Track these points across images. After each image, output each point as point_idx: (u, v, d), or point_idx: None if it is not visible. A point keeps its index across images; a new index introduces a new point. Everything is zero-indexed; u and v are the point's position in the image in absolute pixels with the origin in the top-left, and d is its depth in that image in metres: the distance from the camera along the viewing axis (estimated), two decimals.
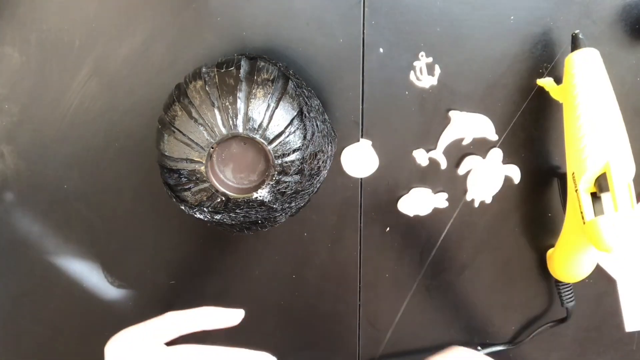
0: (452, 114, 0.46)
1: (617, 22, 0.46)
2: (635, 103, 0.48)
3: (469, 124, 0.47)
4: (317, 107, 0.41)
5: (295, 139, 0.39)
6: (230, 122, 0.37)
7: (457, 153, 0.48)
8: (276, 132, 0.38)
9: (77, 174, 0.46)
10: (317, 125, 0.40)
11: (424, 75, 0.45)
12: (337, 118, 0.46)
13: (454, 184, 0.49)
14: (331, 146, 0.43)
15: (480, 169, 0.48)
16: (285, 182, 0.40)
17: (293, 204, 0.42)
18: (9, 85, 0.43)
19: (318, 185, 0.42)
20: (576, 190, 0.41)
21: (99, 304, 0.50)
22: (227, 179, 0.40)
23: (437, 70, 0.45)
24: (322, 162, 0.41)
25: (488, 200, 0.49)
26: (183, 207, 0.40)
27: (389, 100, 0.46)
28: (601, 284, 0.53)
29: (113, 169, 0.46)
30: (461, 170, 0.48)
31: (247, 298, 0.51)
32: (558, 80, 0.45)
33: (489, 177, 0.48)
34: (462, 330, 0.53)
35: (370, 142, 0.46)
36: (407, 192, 0.48)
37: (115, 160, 0.46)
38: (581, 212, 0.41)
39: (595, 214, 0.40)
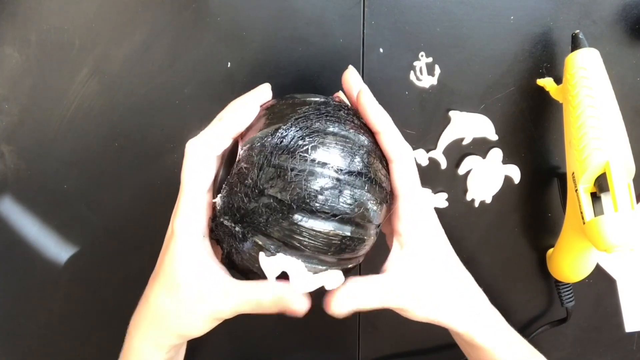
0: (452, 114, 0.46)
1: (617, 22, 0.46)
2: (635, 103, 0.48)
3: (469, 124, 0.47)
4: None
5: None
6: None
7: (457, 153, 0.48)
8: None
9: (77, 174, 0.46)
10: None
11: (424, 75, 0.45)
12: None
13: (454, 184, 0.49)
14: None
15: (480, 169, 0.48)
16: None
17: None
18: (9, 85, 0.43)
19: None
20: (576, 190, 0.41)
21: (99, 304, 0.50)
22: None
23: (437, 70, 0.45)
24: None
25: (488, 200, 0.49)
26: None
27: (389, 100, 0.46)
28: (601, 284, 0.53)
29: (113, 169, 0.46)
30: (461, 170, 0.48)
31: None
32: (558, 80, 0.45)
33: (489, 177, 0.48)
34: None
35: None
36: None
37: (115, 160, 0.46)
38: (581, 212, 0.41)
39: (595, 214, 0.40)
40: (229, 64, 0.44)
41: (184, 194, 0.34)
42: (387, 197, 0.35)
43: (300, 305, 0.34)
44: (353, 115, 0.35)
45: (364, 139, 0.34)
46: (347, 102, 0.37)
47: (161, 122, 0.45)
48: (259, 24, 0.43)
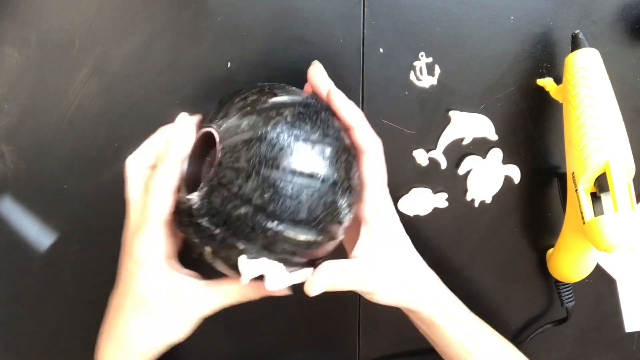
0: (452, 114, 0.46)
1: (617, 22, 0.46)
2: (635, 103, 0.48)
3: (469, 124, 0.47)
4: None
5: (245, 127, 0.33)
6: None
7: (457, 153, 0.48)
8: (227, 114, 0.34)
9: (77, 174, 0.46)
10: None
11: (424, 75, 0.45)
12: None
13: (454, 184, 0.49)
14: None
15: (480, 169, 0.48)
16: (228, 190, 0.32)
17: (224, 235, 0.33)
18: (9, 85, 0.43)
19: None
20: (576, 190, 0.41)
21: (99, 304, 0.50)
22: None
23: (437, 70, 0.45)
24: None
25: (488, 200, 0.49)
26: None
27: (389, 100, 0.46)
28: (601, 284, 0.53)
29: (113, 169, 0.46)
30: (461, 170, 0.48)
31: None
32: (558, 80, 0.45)
33: (489, 177, 0.48)
34: None
35: None
36: (407, 192, 0.48)
37: (115, 160, 0.46)
38: (581, 212, 0.41)
39: (595, 214, 0.40)
40: (229, 64, 0.44)
41: (149, 220, 0.36)
42: (359, 198, 0.37)
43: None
44: (332, 116, 0.36)
45: (346, 142, 0.35)
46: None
47: (161, 122, 0.45)
48: (259, 24, 0.43)
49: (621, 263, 0.52)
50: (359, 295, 0.51)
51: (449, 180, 0.48)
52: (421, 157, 0.47)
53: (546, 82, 0.45)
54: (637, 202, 0.44)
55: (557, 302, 0.52)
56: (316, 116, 0.34)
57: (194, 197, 0.34)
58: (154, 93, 0.44)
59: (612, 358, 0.56)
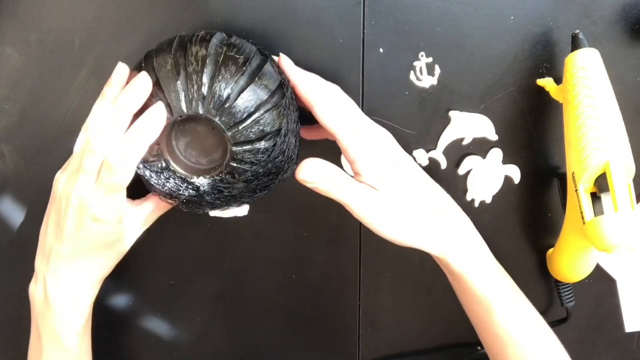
0: (452, 114, 0.46)
1: (617, 22, 0.46)
2: (635, 103, 0.48)
3: (469, 124, 0.47)
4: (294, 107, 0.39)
5: (263, 127, 0.37)
6: (194, 102, 0.35)
7: (457, 153, 0.48)
8: (239, 118, 0.36)
9: None
10: (289, 124, 0.38)
11: (424, 75, 0.45)
12: None
13: (454, 184, 0.49)
14: (289, 168, 0.41)
15: (480, 169, 0.48)
16: (230, 183, 0.38)
17: (225, 204, 0.40)
18: (9, 85, 0.43)
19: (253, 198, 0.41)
20: (576, 190, 0.41)
21: (98, 304, 0.50)
22: (178, 150, 0.38)
23: (437, 70, 0.45)
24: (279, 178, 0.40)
25: (488, 200, 0.49)
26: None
27: (389, 100, 0.46)
28: (601, 284, 0.53)
29: None
30: (461, 170, 0.48)
31: (247, 298, 0.51)
32: (558, 80, 0.45)
33: (489, 177, 0.48)
34: (462, 330, 0.53)
35: None
36: None
37: None
38: (581, 212, 0.41)
39: (595, 214, 0.40)
40: None
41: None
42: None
43: None
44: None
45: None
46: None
47: None
48: (259, 24, 0.43)
49: (621, 263, 0.52)
50: (359, 295, 0.51)
51: (449, 180, 0.48)
52: (421, 157, 0.47)
53: (546, 82, 0.45)
54: (637, 202, 0.44)
55: (557, 302, 0.52)
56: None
57: (203, 181, 0.38)
58: None
59: (612, 358, 0.56)
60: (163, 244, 0.49)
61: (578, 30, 0.42)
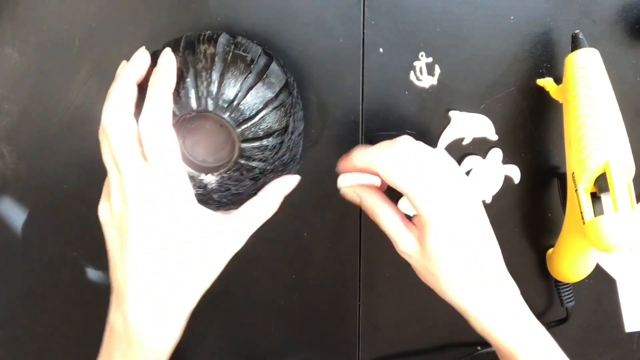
0: (452, 114, 0.46)
1: (617, 22, 0.46)
2: (635, 103, 0.48)
3: (469, 124, 0.47)
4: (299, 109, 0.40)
5: (270, 124, 0.37)
6: (203, 99, 0.35)
7: (457, 153, 0.48)
8: (248, 115, 0.36)
9: (77, 174, 0.46)
10: (295, 122, 0.39)
11: (424, 75, 0.45)
12: (337, 118, 0.46)
13: None
14: (295, 167, 0.41)
15: (480, 169, 0.48)
16: (238, 180, 0.38)
17: (232, 202, 0.39)
18: (9, 85, 0.43)
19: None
20: (576, 190, 0.41)
21: (99, 304, 0.50)
22: (185, 148, 0.38)
23: (437, 70, 0.45)
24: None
25: (488, 200, 0.49)
26: None
27: (389, 100, 0.46)
28: (601, 284, 0.53)
29: None
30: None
31: (247, 298, 0.51)
32: (558, 80, 0.45)
33: (489, 177, 0.48)
34: (461, 330, 0.53)
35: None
36: None
37: None
38: (581, 212, 0.41)
39: (595, 214, 0.40)
40: None
41: (168, 164, 0.33)
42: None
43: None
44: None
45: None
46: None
47: None
48: (259, 24, 0.43)
49: (621, 263, 0.52)
50: (359, 295, 0.51)
51: None
52: None
53: (546, 82, 0.45)
54: (637, 202, 0.44)
55: (557, 302, 0.52)
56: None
57: (212, 178, 0.38)
58: None
59: (612, 358, 0.56)
60: None
61: (578, 30, 0.42)
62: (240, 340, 0.53)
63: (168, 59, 0.34)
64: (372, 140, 0.46)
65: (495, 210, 0.50)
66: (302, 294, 0.51)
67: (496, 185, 0.49)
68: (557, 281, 0.51)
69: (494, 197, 0.49)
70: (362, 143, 0.46)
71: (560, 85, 0.44)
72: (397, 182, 0.36)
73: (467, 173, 0.48)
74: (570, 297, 0.51)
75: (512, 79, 0.46)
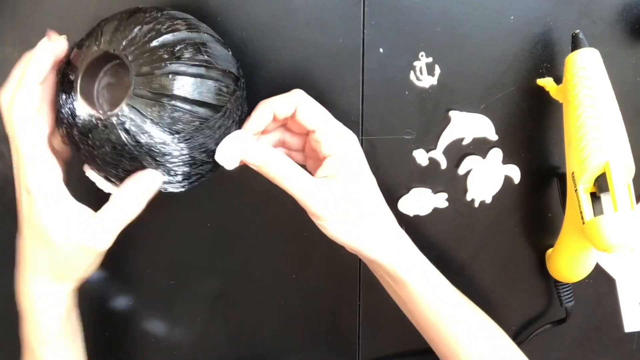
0: (452, 114, 0.46)
1: (617, 22, 0.46)
2: (635, 103, 0.48)
3: (469, 124, 0.47)
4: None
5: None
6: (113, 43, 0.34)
7: (457, 153, 0.48)
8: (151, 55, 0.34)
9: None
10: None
11: (424, 75, 0.45)
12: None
13: (454, 184, 0.49)
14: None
15: (480, 169, 0.48)
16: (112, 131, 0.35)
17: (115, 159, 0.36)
18: None
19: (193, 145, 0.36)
20: (576, 190, 0.41)
21: (98, 304, 0.50)
22: (96, 87, 0.37)
23: (437, 70, 0.45)
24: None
25: (488, 200, 0.49)
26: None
27: (389, 100, 0.46)
28: (601, 284, 0.53)
29: None
30: (461, 170, 0.48)
31: (247, 298, 0.51)
32: (558, 80, 0.45)
33: (489, 177, 0.48)
34: None
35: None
36: (407, 192, 0.48)
37: None
38: (581, 212, 0.41)
39: (595, 214, 0.40)
40: None
41: (25, 153, 0.36)
42: None
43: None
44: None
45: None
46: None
47: None
48: (259, 24, 0.43)
49: (621, 263, 0.52)
50: (359, 295, 0.51)
51: (449, 180, 0.49)
52: (421, 157, 0.47)
53: (546, 82, 0.45)
54: (637, 202, 0.44)
55: (556, 302, 0.52)
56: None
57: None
58: None
59: (612, 358, 0.56)
60: (163, 244, 0.49)
61: (578, 30, 0.42)
62: (240, 340, 0.53)
63: (46, 46, 0.35)
64: (372, 140, 0.47)
65: (495, 210, 0.50)
66: (302, 294, 0.51)
67: (496, 186, 0.49)
68: (556, 281, 0.51)
69: (494, 197, 0.49)
70: (362, 143, 0.46)
71: (560, 85, 0.44)
72: (319, 115, 0.39)
73: (467, 173, 0.48)
74: (569, 297, 0.51)
75: (512, 79, 0.46)
